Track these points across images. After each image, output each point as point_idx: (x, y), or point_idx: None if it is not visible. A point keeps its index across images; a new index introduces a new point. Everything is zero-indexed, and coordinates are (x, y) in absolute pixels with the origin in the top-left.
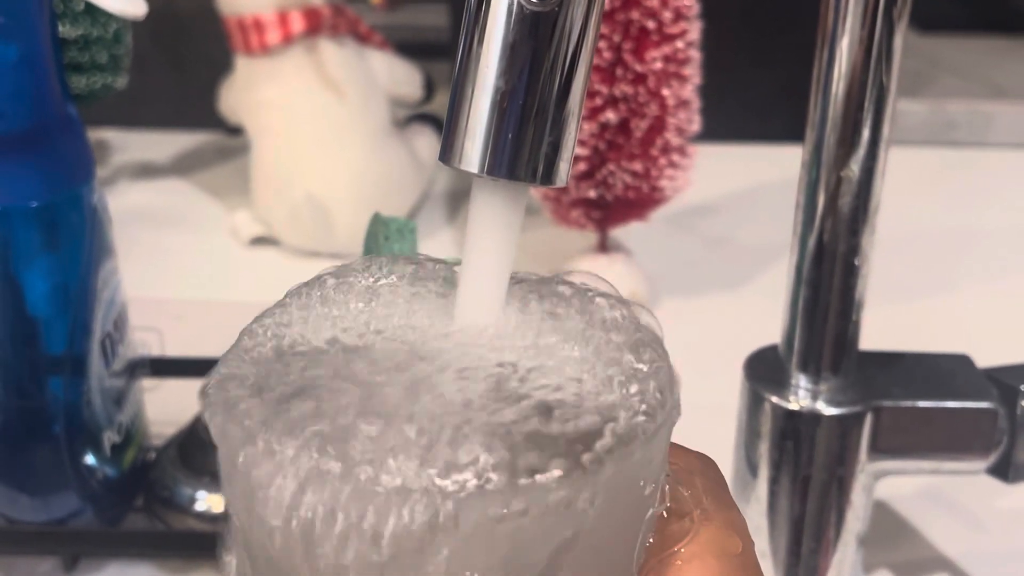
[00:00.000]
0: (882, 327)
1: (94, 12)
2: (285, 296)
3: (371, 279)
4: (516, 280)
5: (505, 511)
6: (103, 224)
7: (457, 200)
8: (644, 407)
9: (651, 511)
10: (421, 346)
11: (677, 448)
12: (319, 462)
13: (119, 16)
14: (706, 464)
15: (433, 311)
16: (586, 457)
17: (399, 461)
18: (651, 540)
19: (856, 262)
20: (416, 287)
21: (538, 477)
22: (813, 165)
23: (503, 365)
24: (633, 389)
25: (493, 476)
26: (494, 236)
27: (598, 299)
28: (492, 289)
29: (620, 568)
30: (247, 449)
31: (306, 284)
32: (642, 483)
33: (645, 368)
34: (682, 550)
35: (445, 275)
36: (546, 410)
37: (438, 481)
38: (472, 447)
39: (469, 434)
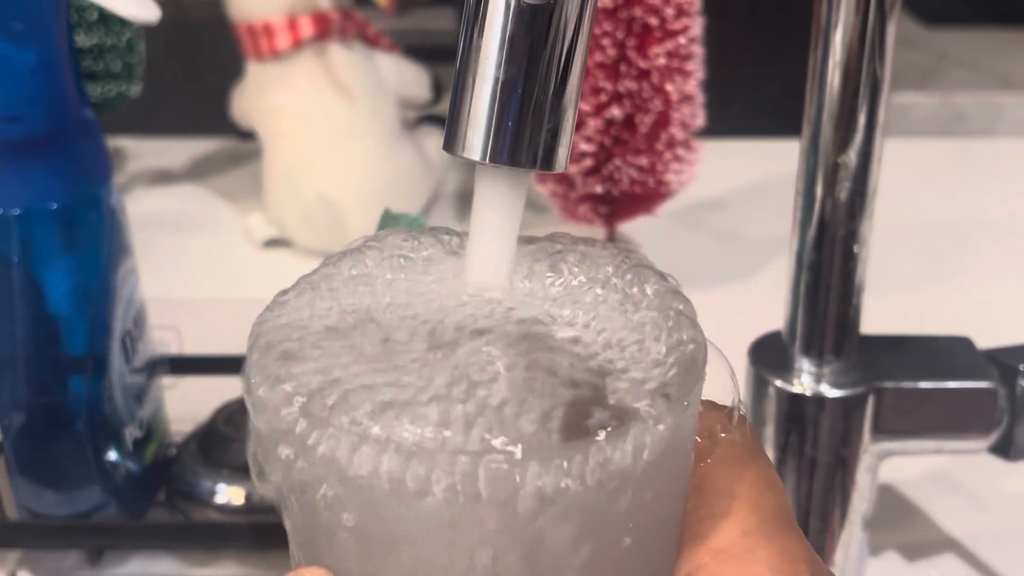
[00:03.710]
0: (890, 313)
1: (108, 22)
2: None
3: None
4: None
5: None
6: (121, 224)
7: (467, 200)
8: (693, 349)
9: (691, 462)
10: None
11: (710, 404)
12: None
13: (133, 22)
14: (736, 421)
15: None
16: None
17: (485, 428)
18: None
19: (855, 247)
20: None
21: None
22: (810, 153)
23: (544, 321)
24: (680, 336)
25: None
26: (497, 219)
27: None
28: (499, 265)
29: (671, 523)
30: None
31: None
32: (689, 432)
33: (682, 319)
34: (718, 506)
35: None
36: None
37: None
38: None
39: (534, 396)
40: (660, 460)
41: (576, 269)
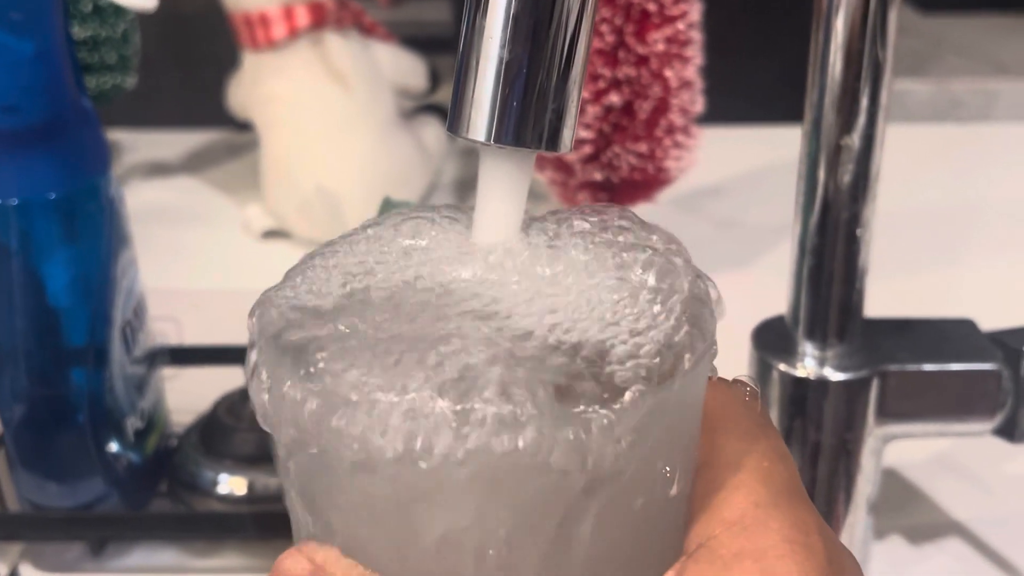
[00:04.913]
0: (891, 298)
1: (102, 13)
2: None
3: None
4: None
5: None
6: (120, 214)
7: (464, 189)
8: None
9: (696, 439)
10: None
11: (719, 380)
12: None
13: (130, 11)
14: (746, 393)
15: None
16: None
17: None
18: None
19: (858, 231)
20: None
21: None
22: (813, 136)
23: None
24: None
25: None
26: (502, 201)
27: (619, 231)
28: (507, 238)
29: (679, 493)
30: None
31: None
32: (696, 400)
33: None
34: (729, 478)
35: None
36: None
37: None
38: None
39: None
40: (667, 423)
41: (577, 241)
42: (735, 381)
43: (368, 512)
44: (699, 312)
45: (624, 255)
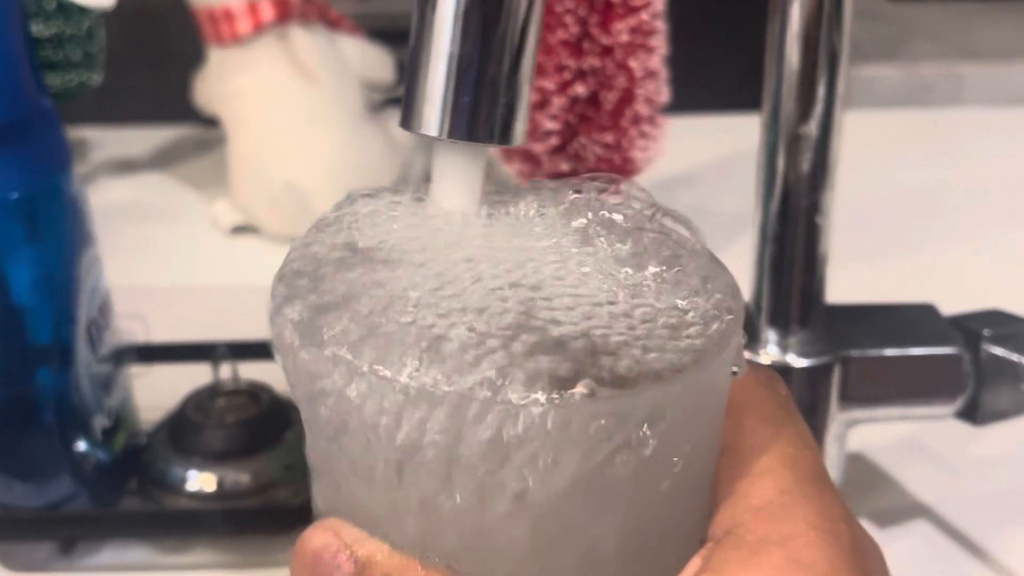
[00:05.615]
0: (853, 284)
1: (67, 10)
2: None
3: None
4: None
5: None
6: (83, 213)
7: None
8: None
9: (720, 422)
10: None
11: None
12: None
13: (89, 9)
14: (770, 377)
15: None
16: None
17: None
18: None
19: (817, 218)
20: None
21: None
22: (771, 126)
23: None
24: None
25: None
26: (457, 195)
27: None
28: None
29: (702, 477)
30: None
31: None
32: (720, 386)
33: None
34: (755, 464)
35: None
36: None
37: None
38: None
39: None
40: (693, 405)
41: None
42: (758, 365)
43: (384, 486)
44: (725, 291)
45: (627, 235)
